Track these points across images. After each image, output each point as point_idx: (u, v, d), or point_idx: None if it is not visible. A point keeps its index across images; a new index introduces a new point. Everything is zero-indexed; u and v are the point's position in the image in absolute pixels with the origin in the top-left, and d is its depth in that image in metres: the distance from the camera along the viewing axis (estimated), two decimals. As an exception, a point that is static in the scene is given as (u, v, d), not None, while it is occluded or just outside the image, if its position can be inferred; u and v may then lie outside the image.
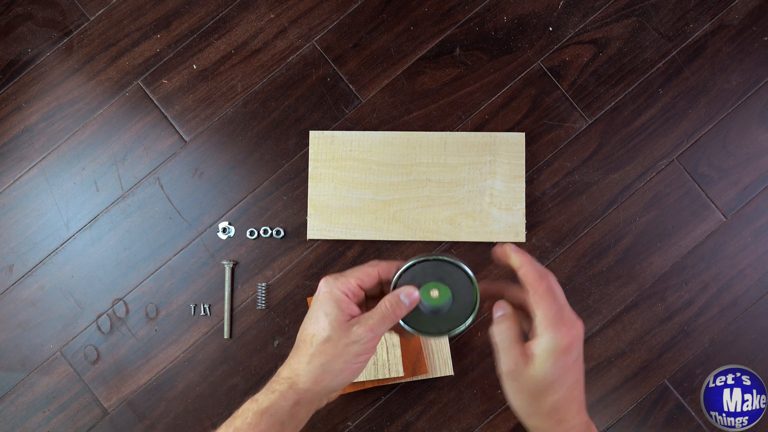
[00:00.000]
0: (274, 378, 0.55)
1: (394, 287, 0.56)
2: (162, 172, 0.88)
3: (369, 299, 0.58)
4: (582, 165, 0.87)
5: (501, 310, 0.54)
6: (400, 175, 0.87)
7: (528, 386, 0.52)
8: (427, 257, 0.57)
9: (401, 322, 0.56)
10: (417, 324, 0.56)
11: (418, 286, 0.56)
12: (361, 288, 0.56)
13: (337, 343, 0.53)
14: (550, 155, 0.87)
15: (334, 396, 0.57)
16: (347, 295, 0.55)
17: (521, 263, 0.53)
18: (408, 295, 0.55)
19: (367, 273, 0.56)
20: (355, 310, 0.55)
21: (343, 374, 0.54)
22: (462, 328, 0.56)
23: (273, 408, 0.53)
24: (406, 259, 0.59)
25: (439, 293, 0.56)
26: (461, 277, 0.56)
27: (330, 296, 0.55)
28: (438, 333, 0.57)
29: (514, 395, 0.53)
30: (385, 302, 0.55)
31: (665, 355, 0.85)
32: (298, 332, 0.56)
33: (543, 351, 0.51)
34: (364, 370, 0.81)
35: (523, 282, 0.53)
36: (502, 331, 0.53)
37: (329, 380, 0.54)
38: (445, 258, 0.57)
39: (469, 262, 0.86)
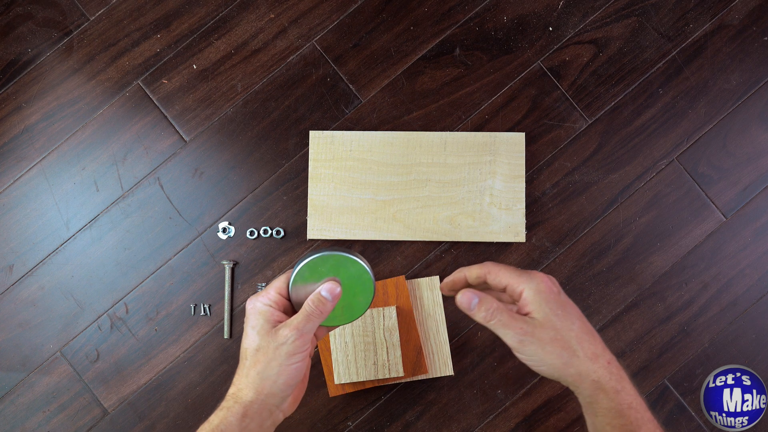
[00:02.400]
0: (225, 397, 0.57)
1: (292, 284, 0.59)
2: (162, 172, 0.88)
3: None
4: (582, 165, 0.87)
5: (474, 297, 0.55)
6: (400, 175, 0.87)
7: (545, 336, 0.53)
8: (317, 254, 0.59)
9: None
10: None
11: (317, 279, 0.59)
12: (283, 296, 0.59)
13: (267, 349, 0.56)
14: (550, 155, 0.87)
15: (286, 406, 0.58)
16: (270, 306, 0.57)
17: (465, 277, 0.57)
18: (330, 290, 0.58)
19: (283, 281, 0.59)
20: (281, 316, 0.58)
21: (282, 377, 0.56)
22: (365, 307, 0.60)
23: (222, 424, 0.55)
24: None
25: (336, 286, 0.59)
26: (350, 263, 0.59)
27: (254, 311, 0.57)
28: (345, 320, 0.61)
29: (541, 356, 0.53)
30: (308, 301, 0.57)
31: (665, 355, 0.85)
32: None
33: (533, 299, 0.53)
34: (363, 371, 0.81)
35: (479, 278, 0.57)
36: (489, 312, 0.54)
37: (269, 386, 0.55)
38: (334, 252, 0.59)
39: (468, 263, 0.86)
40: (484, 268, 0.57)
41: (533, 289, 0.54)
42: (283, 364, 0.55)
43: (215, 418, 0.56)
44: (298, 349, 0.56)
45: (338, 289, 0.58)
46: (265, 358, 0.56)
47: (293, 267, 0.59)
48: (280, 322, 0.57)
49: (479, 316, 0.55)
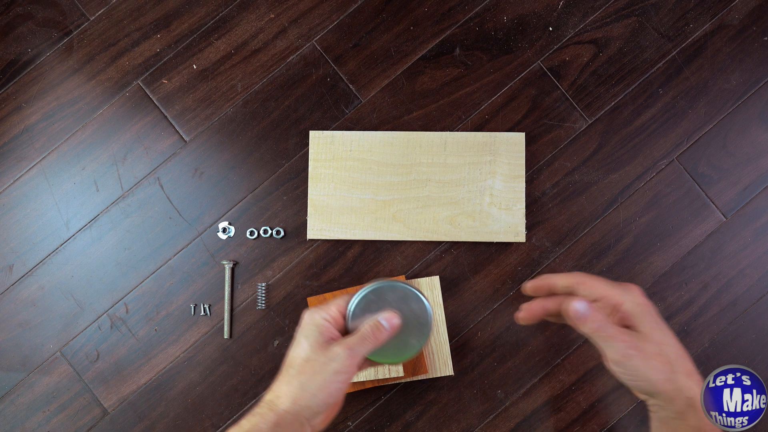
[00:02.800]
0: (259, 404, 0.58)
1: (350, 314, 0.59)
2: (162, 172, 0.88)
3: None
4: (582, 165, 0.87)
5: (588, 309, 0.54)
6: (400, 175, 0.87)
7: (650, 350, 0.53)
8: (386, 282, 0.59)
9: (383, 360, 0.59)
10: (374, 353, 0.59)
11: (375, 311, 0.59)
12: (342, 315, 0.59)
13: (315, 362, 0.56)
14: (550, 155, 0.87)
15: (317, 423, 0.58)
16: (328, 321, 0.58)
17: (550, 285, 0.58)
18: (388, 319, 0.58)
19: (347, 301, 0.59)
20: (336, 334, 0.58)
21: (321, 393, 0.56)
22: (416, 351, 0.59)
23: (254, 430, 0.55)
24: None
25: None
26: (415, 300, 0.59)
27: (311, 322, 0.58)
28: (393, 359, 0.60)
29: (644, 370, 0.53)
30: (366, 325, 0.57)
31: (665, 355, 0.85)
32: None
33: (635, 312, 0.53)
34: (363, 371, 0.81)
35: (567, 288, 0.57)
36: (597, 324, 0.54)
37: (307, 399, 0.56)
38: (403, 285, 0.59)
39: (468, 263, 0.86)
40: (575, 278, 0.57)
41: (633, 302, 0.54)
42: (327, 380, 0.56)
43: (246, 423, 0.56)
44: (346, 369, 0.56)
45: (396, 320, 0.58)
46: (312, 371, 0.56)
47: (360, 290, 0.59)
48: (333, 339, 0.57)
49: (588, 326, 0.54)
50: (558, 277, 0.58)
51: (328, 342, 0.57)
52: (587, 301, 0.57)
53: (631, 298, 0.55)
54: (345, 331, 0.60)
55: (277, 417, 0.56)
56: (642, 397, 0.58)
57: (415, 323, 0.59)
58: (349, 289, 0.85)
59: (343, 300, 0.60)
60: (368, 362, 0.61)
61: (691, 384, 0.55)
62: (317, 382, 0.56)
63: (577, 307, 0.55)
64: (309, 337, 0.57)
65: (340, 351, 0.56)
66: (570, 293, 0.58)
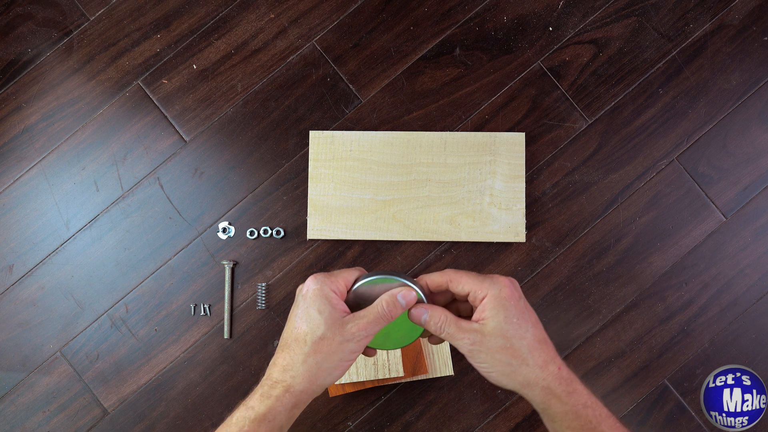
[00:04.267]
0: (266, 381, 0.54)
1: (357, 286, 0.56)
2: (162, 172, 0.88)
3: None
4: (582, 165, 0.87)
5: (424, 312, 0.55)
6: (400, 175, 0.87)
7: (495, 344, 0.52)
8: (378, 274, 0.57)
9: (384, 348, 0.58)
10: (380, 341, 0.58)
11: (371, 302, 0.56)
12: (348, 288, 0.56)
13: (332, 340, 0.53)
14: (550, 155, 0.87)
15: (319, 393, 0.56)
16: (336, 294, 0.54)
17: (425, 286, 0.56)
18: (405, 296, 0.55)
19: (354, 275, 0.56)
20: (346, 308, 0.55)
21: (336, 371, 0.54)
22: (395, 347, 0.58)
23: (271, 414, 0.52)
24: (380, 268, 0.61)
25: None
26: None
27: (321, 293, 0.54)
28: (391, 346, 0.58)
29: (491, 363, 0.53)
30: (382, 302, 0.54)
31: (665, 355, 0.85)
32: (285, 330, 0.55)
33: (491, 306, 0.53)
34: (363, 370, 0.81)
35: (440, 286, 0.56)
36: (438, 326, 0.54)
37: (323, 378, 0.53)
38: (393, 275, 0.57)
39: (468, 263, 0.86)
40: (445, 276, 0.56)
41: (494, 296, 0.53)
42: (343, 359, 0.53)
43: (261, 406, 0.52)
44: (361, 348, 0.54)
45: (412, 296, 0.55)
46: (329, 349, 0.53)
47: (370, 272, 0.57)
48: (344, 312, 0.54)
49: (431, 327, 0.55)
50: (430, 277, 0.57)
51: (342, 317, 0.54)
52: (459, 298, 0.57)
53: (493, 292, 0.53)
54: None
55: (296, 399, 0.53)
56: (513, 391, 0.58)
57: (409, 322, 0.57)
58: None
59: (350, 273, 0.56)
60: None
61: (545, 374, 0.53)
62: (333, 362, 0.53)
63: (411, 313, 0.55)
64: (323, 311, 0.53)
65: (357, 331, 0.53)
66: (445, 291, 0.57)
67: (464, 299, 0.56)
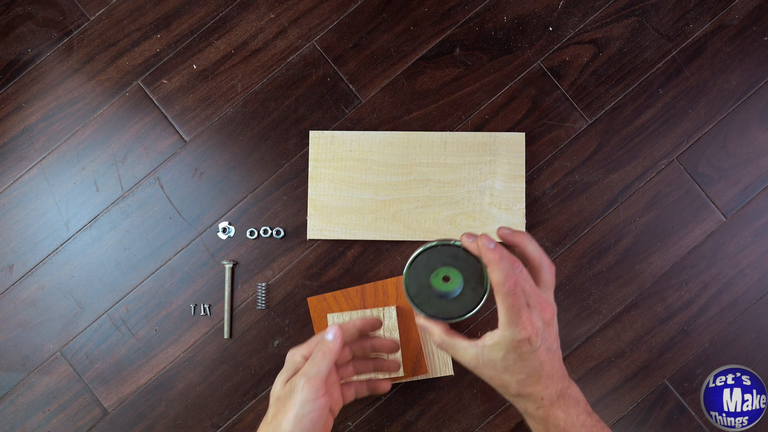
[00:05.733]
0: None
1: (406, 277, 0.58)
2: (162, 172, 0.88)
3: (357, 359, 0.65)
4: (582, 165, 0.87)
5: (422, 323, 0.59)
6: (400, 175, 0.87)
7: (489, 367, 0.56)
8: (438, 242, 0.58)
9: (416, 308, 0.58)
10: (431, 308, 0.59)
11: (431, 271, 0.58)
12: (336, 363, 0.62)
13: (284, 398, 0.58)
14: (550, 155, 0.87)
15: None
16: (305, 358, 0.60)
17: (498, 257, 0.55)
18: (332, 331, 0.60)
19: (335, 353, 0.60)
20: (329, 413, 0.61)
21: (299, 427, 0.56)
22: (474, 311, 0.58)
23: None
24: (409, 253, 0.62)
25: (451, 279, 0.58)
26: (471, 261, 0.58)
27: (289, 360, 0.60)
28: (451, 317, 0.59)
29: (488, 377, 0.58)
30: (314, 347, 0.60)
31: (665, 355, 0.85)
32: (277, 407, 0.59)
33: (494, 342, 0.55)
34: (364, 371, 0.81)
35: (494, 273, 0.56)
36: (439, 337, 0.58)
37: None
38: (453, 242, 0.58)
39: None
40: (518, 237, 0.58)
41: (501, 338, 0.55)
42: (298, 413, 0.55)
43: None
44: (310, 396, 0.56)
45: (337, 331, 0.60)
46: (283, 408, 0.57)
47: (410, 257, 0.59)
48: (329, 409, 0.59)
49: (434, 339, 0.59)
50: (502, 232, 0.59)
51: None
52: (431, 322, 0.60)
53: (508, 329, 0.55)
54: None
55: None
56: (508, 399, 0.60)
57: (472, 274, 0.58)
58: (349, 290, 0.85)
59: (329, 356, 0.60)
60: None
61: (526, 392, 0.58)
62: (290, 418, 0.55)
63: (420, 323, 0.59)
64: (282, 374, 0.59)
65: (297, 380, 0.57)
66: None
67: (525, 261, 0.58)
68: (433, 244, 0.58)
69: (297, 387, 0.56)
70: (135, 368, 0.86)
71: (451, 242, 0.58)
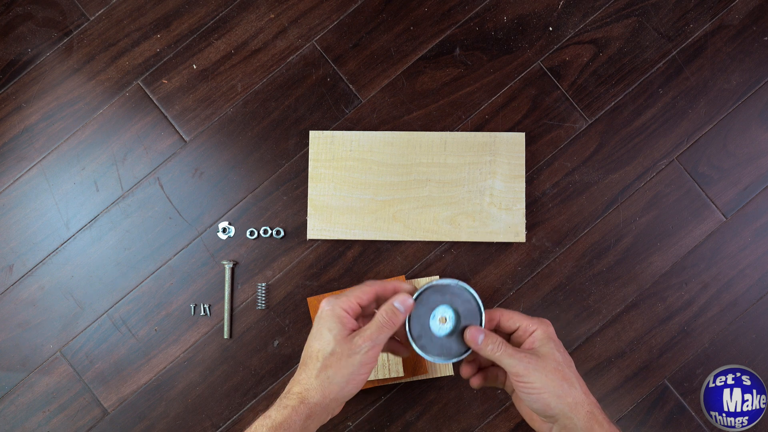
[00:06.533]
0: (285, 394, 0.59)
1: (414, 342, 0.60)
2: (162, 172, 0.88)
3: (366, 317, 0.63)
4: (582, 165, 0.87)
5: (480, 333, 0.60)
6: (400, 175, 0.87)
7: (549, 366, 0.58)
8: (437, 282, 0.61)
9: (417, 349, 0.61)
10: (448, 351, 0.61)
11: (427, 323, 0.61)
12: (360, 305, 0.61)
13: (341, 355, 0.57)
14: (550, 155, 0.87)
15: (338, 410, 0.61)
16: (347, 312, 0.59)
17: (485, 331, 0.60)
18: (402, 302, 0.59)
19: (364, 291, 0.61)
20: (355, 324, 0.60)
21: (350, 385, 0.58)
22: (470, 351, 0.61)
23: (286, 423, 0.57)
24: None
25: (447, 318, 0.61)
26: (467, 299, 0.61)
27: (332, 313, 0.59)
28: (449, 356, 0.61)
29: (545, 382, 0.57)
30: (381, 312, 0.59)
31: (665, 355, 0.85)
32: (304, 349, 0.60)
33: (541, 338, 0.60)
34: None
35: (491, 321, 0.62)
36: (495, 345, 0.59)
37: (337, 392, 0.58)
38: (425, 287, 0.61)
39: (468, 263, 0.86)
40: (496, 313, 0.62)
41: (544, 331, 0.60)
42: (354, 372, 0.58)
43: (278, 415, 0.57)
44: (370, 359, 0.58)
45: (410, 301, 0.60)
46: (338, 363, 0.57)
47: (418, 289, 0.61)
48: (354, 330, 0.59)
49: (487, 349, 0.59)
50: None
51: (350, 333, 0.59)
52: (503, 332, 0.63)
53: (543, 328, 0.60)
54: (361, 321, 0.62)
55: (309, 410, 0.57)
56: (542, 426, 0.62)
57: (466, 304, 0.61)
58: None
59: (362, 291, 0.61)
60: (402, 347, 0.64)
61: (590, 400, 0.59)
62: (344, 376, 0.57)
63: (471, 333, 0.60)
64: (332, 329, 0.58)
65: (362, 343, 0.57)
66: (493, 327, 0.63)
67: (510, 333, 0.62)
68: (431, 284, 0.61)
69: (360, 349, 0.58)
70: (135, 368, 0.86)
71: (445, 282, 0.61)
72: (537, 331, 0.60)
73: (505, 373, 0.65)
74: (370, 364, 0.58)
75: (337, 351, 0.57)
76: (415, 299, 0.60)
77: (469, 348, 0.60)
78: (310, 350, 0.59)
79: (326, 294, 0.85)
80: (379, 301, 0.62)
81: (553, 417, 0.58)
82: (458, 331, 0.61)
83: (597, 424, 0.58)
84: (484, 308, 0.61)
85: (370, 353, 0.58)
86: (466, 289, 0.61)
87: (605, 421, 0.58)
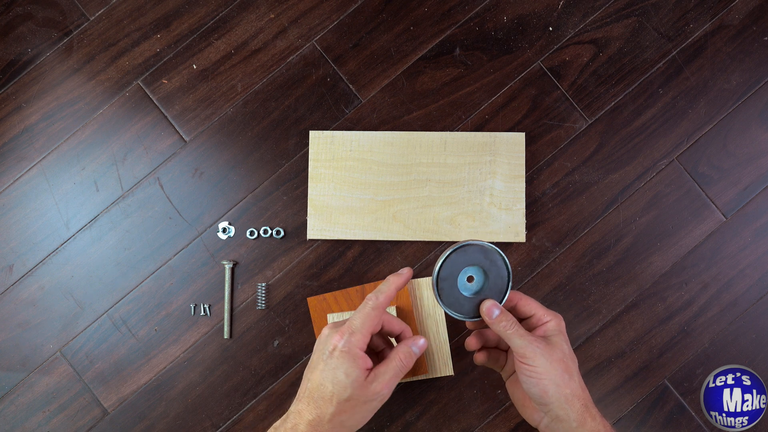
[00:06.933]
0: (292, 428, 0.58)
1: (436, 281, 0.61)
2: (162, 172, 0.88)
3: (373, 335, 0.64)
4: (582, 165, 0.87)
5: (496, 309, 0.61)
6: (400, 175, 0.87)
7: (555, 354, 0.59)
8: (463, 243, 0.62)
9: (445, 309, 0.62)
10: (459, 307, 0.62)
11: (457, 273, 0.61)
12: (372, 337, 0.62)
13: (357, 401, 0.57)
14: (550, 155, 0.87)
15: None
16: (363, 349, 0.58)
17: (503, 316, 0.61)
18: (420, 347, 0.61)
19: (372, 318, 0.59)
20: (370, 362, 0.59)
21: (359, 425, 0.59)
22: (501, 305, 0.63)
23: None
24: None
25: (476, 279, 0.62)
26: (502, 275, 0.62)
27: (349, 355, 0.57)
28: (459, 312, 0.62)
29: (547, 368, 0.58)
30: (400, 357, 0.60)
31: (665, 355, 0.85)
32: (309, 379, 0.58)
33: (553, 329, 0.61)
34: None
35: (510, 301, 0.64)
36: (509, 323, 0.60)
37: (348, 431, 0.59)
38: (475, 242, 0.62)
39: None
40: (515, 295, 0.63)
41: (558, 323, 0.62)
42: (367, 415, 0.58)
43: None
44: (385, 400, 0.59)
45: (422, 341, 0.61)
46: (353, 409, 0.57)
47: (443, 253, 0.61)
48: (368, 369, 0.58)
49: (500, 325, 0.60)
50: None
51: (367, 375, 0.58)
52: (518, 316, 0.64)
53: (557, 320, 0.62)
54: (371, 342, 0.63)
55: None
56: (533, 414, 0.63)
57: (497, 276, 0.62)
58: (349, 290, 0.85)
59: (370, 320, 0.59)
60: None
61: (586, 394, 0.61)
62: (358, 420, 0.58)
63: (489, 305, 0.61)
64: (350, 374, 0.57)
65: (380, 390, 0.57)
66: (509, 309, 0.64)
67: (523, 319, 0.64)
68: (454, 248, 0.61)
69: (378, 396, 0.58)
70: (135, 368, 0.86)
71: (470, 243, 0.61)
72: (551, 322, 0.61)
73: (506, 357, 0.66)
74: (383, 402, 0.59)
75: (354, 397, 0.57)
76: (461, 248, 0.61)
77: (479, 315, 0.62)
78: (322, 391, 0.57)
79: (326, 294, 0.85)
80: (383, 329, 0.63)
81: (547, 405, 0.59)
82: (478, 297, 0.62)
83: (590, 417, 0.59)
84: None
85: (385, 398, 0.58)
86: (506, 265, 0.62)
87: (598, 415, 0.60)
